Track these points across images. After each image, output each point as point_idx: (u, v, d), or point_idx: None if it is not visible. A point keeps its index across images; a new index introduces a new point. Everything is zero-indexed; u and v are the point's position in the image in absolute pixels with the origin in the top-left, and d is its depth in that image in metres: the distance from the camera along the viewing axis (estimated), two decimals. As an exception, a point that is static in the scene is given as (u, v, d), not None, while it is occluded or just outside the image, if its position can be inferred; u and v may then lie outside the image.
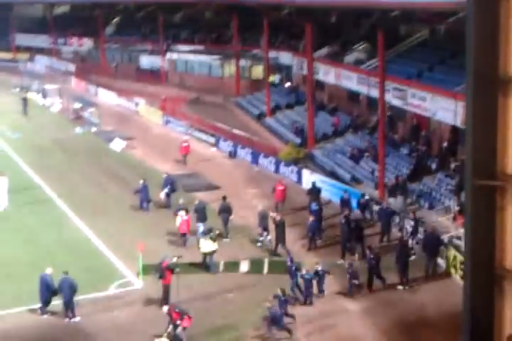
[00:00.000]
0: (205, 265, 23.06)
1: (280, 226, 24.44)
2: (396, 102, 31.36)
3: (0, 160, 36.56)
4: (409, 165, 30.39)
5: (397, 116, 34.27)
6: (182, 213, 25.12)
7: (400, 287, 21.81)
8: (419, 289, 21.72)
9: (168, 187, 29.17)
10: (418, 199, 27.74)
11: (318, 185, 29.66)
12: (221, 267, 23.14)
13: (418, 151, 31.01)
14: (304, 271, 20.92)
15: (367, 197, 27.66)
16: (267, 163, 35.26)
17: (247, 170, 35.03)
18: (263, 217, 25.33)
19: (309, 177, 31.52)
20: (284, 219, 24.90)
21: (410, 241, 24.08)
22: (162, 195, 29.04)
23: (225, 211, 26.14)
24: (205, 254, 23.05)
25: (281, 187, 29.05)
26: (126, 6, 70.21)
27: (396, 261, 22.18)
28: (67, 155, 38.21)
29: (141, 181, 29.11)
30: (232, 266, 23.24)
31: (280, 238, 24.28)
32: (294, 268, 21.03)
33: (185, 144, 36.92)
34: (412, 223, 24.77)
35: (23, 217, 28.26)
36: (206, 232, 24.31)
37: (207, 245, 22.98)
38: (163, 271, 20.48)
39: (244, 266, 23.24)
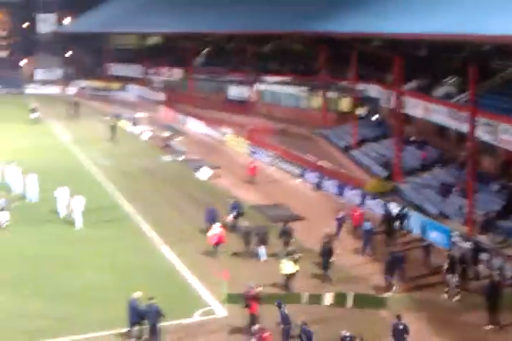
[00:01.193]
0: (285, 286, 23.63)
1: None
2: (486, 137, 30.78)
3: (90, 185, 37.73)
4: (500, 202, 29.72)
5: (486, 152, 33.65)
6: (216, 225, 27.21)
7: (489, 327, 21.23)
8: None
9: (236, 210, 30.20)
10: (509, 236, 27.06)
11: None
12: (305, 299, 23.03)
13: (509, 188, 30.32)
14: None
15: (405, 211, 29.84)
16: (352, 195, 35.09)
17: (333, 202, 34.91)
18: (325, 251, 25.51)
19: (396, 212, 31.18)
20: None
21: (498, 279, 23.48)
22: (229, 219, 29.90)
23: (285, 234, 27.48)
24: (286, 276, 23.67)
25: (357, 213, 30.20)
26: (216, 38, 71.61)
27: (486, 299, 21.63)
28: (154, 182, 38.96)
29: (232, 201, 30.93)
30: (316, 298, 23.10)
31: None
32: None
33: (253, 165, 39.27)
34: (502, 261, 24.17)
35: (110, 241, 28.86)
36: (288, 254, 24.64)
37: (288, 267, 23.63)
38: (248, 300, 20.55)
39: (328, 299, 23.08)
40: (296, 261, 23.92)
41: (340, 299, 22.90)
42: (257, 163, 40.80)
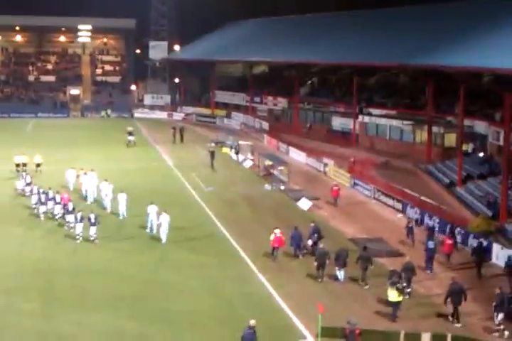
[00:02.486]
0: (392, 314, 23.94)
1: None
2: None
3: (191, 210, 38.45)
4: None
5: None
6: (277, 231, 29.65)
7: None
8: None
9: (316, 235, 30.65)
10: None
11: None
12: (401, 337, 22.49)
13: None
14: None
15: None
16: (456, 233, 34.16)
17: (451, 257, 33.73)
18: (407, 269, 26.30)
19: (499, 252, 30.23)
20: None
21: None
22: (309, 243, 30.41)
23: (364, 259, 27.58)
24: (391, 303, 24.01)
25: (449, 242, 30.91)
26: (321, 68, 71.99)
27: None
28: (254, 210, 39.16)
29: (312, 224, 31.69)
30: (413, 337, 22.52)
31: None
32: None
33: (336, 188, 41.17)
34: None
35: (208, 267, 29.06)
36: (393, 283, 24.49)
37: (393, 295, 23.95)
38: (348, 338, 20.23)
39: (425, 339, 22.45)
40: (401, 291, 24.14)
41: (438, 340, 22.25)
42: (340, 186, 42.77)
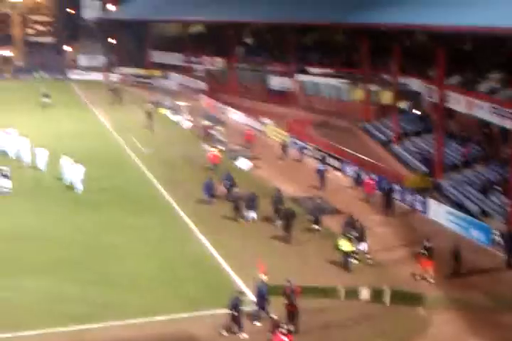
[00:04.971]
0: (344, 264, 24.86)
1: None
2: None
3: (130, 171, 38.27)
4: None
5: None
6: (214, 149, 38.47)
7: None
8: None
9: (228, 182, 33.35)
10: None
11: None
12: (342, 293, 22.94)
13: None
14: None
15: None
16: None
17: (372, 196, 34.62)
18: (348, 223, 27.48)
19: (435, 208, 30.97)
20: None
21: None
22: (222, 188, 33.25)
23: (276, 201, 30.29)
24: (344, 253, 24.98)
25: (371, 182, 34.32)
26: (258, 27, 71.49)
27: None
28: (193, 170, 39.07)
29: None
30: (353, 293, 23.00)
31: None
32: None
33: (249, 132, 46.50)
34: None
35: (149, 229, 29.05)
36: (344, 233, 25.69)
37: (346, 245, 24.86)
38: (287, 297, 20.52)
39: (364, 294, 22.96)
40: (350, 240, 25.01)
41: (377, 295, 22.78)
42: (253, 131, 47.98)
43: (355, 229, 26.67)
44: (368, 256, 25.84)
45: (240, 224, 29.97)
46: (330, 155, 41.15)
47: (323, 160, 39.95)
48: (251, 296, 21.85)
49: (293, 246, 27.24)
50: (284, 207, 29.84)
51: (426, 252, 24.42)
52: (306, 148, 41.95)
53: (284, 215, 28.38)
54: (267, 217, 30.32)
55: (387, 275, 24.51)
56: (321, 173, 36.57)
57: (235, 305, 20.09)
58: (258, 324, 20.59)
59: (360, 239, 26.23)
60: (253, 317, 20.70)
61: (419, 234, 28.45)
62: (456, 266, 24.36)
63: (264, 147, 45.92)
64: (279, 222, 29.00)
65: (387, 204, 32.27)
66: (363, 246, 26.16)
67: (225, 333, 20.01)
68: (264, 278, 21.19)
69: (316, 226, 29.07)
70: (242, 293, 21.27)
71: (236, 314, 19.99)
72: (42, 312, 21.16)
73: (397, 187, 34.06)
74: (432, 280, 24.13)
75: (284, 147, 43.76)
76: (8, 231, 28.35)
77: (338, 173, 39.40)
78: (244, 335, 19.98)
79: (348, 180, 38.08)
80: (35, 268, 24.51)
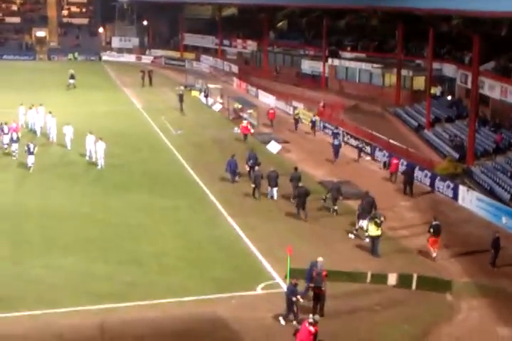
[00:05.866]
0: (372, 249, 24.60)
1: None
2: None
3: (163, 154, 38.40)
4: None
5: None
6: (245, 122, 40.82)
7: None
8: None
9: (251, 161, 33.12)
10: None
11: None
12: (368, 278, 22.91)
13: None
14: None
15: None
16: (422, 175, 34.54)
17: (399, 183, 34.37)
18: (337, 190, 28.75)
19: (465, 195, 30.69)
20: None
21: None
22: (246, 167, 33.12)
23: (296, 179, 30.11)
24: (372, 238, 24.71)
25: (395, 161, 34.42)
26: (291, 11, 71.11)
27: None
28: (223, 153, 39.00)
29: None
30: (380, 278, 22.95)
31: None
32: None
33: (272, 111, 47.12)
34: None
35: (178, 211, 29.19)
36: (372, 217, 25.12)
37: (373, 229, 24.55)
38: (320, 280, 20.41)
39: (392, 279, 22.89)
40: (378, 225, 24.51)
41: (404, 280, 22.69)
42: (275, 110, 48.35)
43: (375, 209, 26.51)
44: (366, 234, 25.63)
45: (260, 202, 30.24)
46: (359, 140, 40.87)
47: (336, 135, 41.23)
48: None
49: (317, 228, 27.25)
50: (299, 185, 29.57)
51: (432, 230, 24.53)
52: (338, 133, 41.59)
53: (298, 193, 28.41)
54: (287, 195, 30.50)
55: (415, 261, 24.40)
56: (336, 147, 37.81)
57: (292, 292, 19.74)
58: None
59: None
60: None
61: (450, 221, 28.21)
62: (494, 255, 24.08)
63: (294, 131, 45.75)
64: (293, 200, 29.16)
65: (408, 183, 32.52)
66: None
67: (282, 321, 19.77)
68: (320, 259, 20.91)
69: (335, 207, 28.86)
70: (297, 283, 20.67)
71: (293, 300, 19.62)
72: (71, 290, 21.39)
73: (426, 172, 33.82)
74: (434, 255, 24.23)
75: (313, 127, 44.67)
76: (40, 209, 28.69)
77: (368, 158, 39.14)
78: (282, 322, 19.76)
79: (377, 164, 37.85)
80: (66, 247, 24.77)
